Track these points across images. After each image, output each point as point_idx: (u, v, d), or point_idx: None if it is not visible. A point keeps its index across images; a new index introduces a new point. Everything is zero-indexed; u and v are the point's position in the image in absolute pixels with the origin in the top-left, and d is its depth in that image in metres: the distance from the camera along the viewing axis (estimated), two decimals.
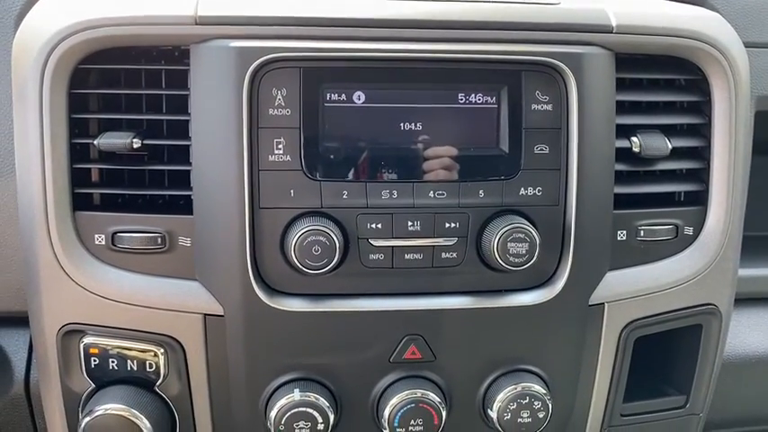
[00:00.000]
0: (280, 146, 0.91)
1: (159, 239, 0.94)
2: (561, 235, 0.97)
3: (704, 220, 1.06)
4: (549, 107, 0.94)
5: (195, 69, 0.91)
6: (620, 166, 1.00)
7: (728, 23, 1.06)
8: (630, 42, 0.97)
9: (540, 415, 0.98)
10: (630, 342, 1.05)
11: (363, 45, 0.90)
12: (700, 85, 1.04)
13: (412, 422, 0.96)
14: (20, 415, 1.12)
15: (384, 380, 0.98)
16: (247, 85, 0.88)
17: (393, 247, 0.94)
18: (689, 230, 1.05)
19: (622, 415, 1.11)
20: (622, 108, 1.00)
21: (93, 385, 0.97)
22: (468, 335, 0.98)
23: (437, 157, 0.94)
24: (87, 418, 0.94)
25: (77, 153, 0.94)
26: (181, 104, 0.94)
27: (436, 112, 0.94)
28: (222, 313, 0.94)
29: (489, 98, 0.94)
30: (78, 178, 0.94)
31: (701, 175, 1.06)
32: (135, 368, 0.97)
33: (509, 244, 0.92)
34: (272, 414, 0.94)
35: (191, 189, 0.93)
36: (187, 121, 0.93)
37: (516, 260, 0.92)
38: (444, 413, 0.97)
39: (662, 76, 1.05)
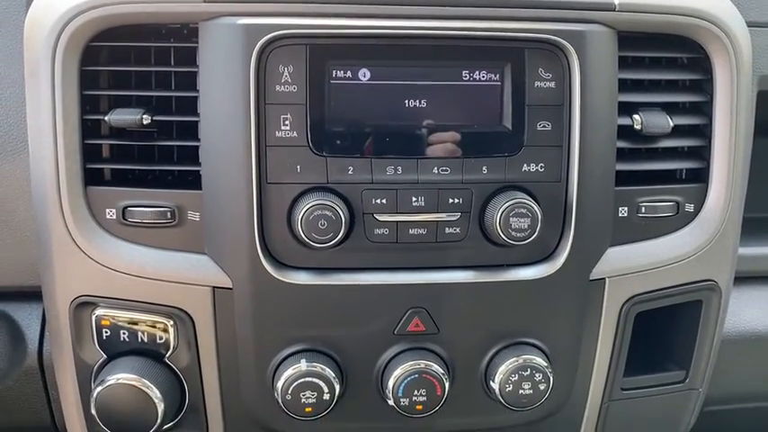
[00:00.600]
0: (286, 122, 0.92)
1: (169, 214, 0.96)
2: (563, 211, 0.99)
3: (705, 197, 1.07)
4: (552, 84, 0.96)
5: (204, 46, 0.93)
6: (621, 144, 1.02)
7: (731, 2, 1.06)
8: (632, 20, 0.98)
9: (542, 387, 1.00)
10: (631, 317, 1.07)
11: (369, 22, 0.92)
12: (702, 63, 1.05)
13: (415, 392, 0.98)
14: (33, 386, 1.14)
15: (388, 351, 1.00)
16: (255, 62, 0.90)
17: (397, 222, 0.96)
18: (690, 207, 1.07)
19: (623, 389, 1.13)
20: (624, 86, 1.01)
21: (105, 356, 1.00)
22: (471, 308, 1.00)
23: (441, 133, 0.96)
24: (99, 388, 0.96)
25: (89, 129, 0.96)
26: (190, 81, 0.95)
27: (440, 90, 0.95)
28: (230, 286, 0.96)
29: (493, 75, 0.95)
30: (90, 154, 0.96)
31: (703, 153, 1.07)
32: (145, 340, 0.99)
33: (511, 219, 0.93)
34: (279, 384, 0.96)
35: (199, 165, 0.95)
36: (196, 97, 0.95)
37: (518, 234, 0.94)
38: (447, 384, 0.99)
39: (664, 55, 1.06)
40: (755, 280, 1.31)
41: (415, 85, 0.95)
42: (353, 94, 0.94)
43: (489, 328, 1.01)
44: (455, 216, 0.96)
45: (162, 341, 1.00)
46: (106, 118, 0.95)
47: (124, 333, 0.99)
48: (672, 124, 1.03)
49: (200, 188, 0.95)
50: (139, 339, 0.99)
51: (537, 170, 0.97)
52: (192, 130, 0.96)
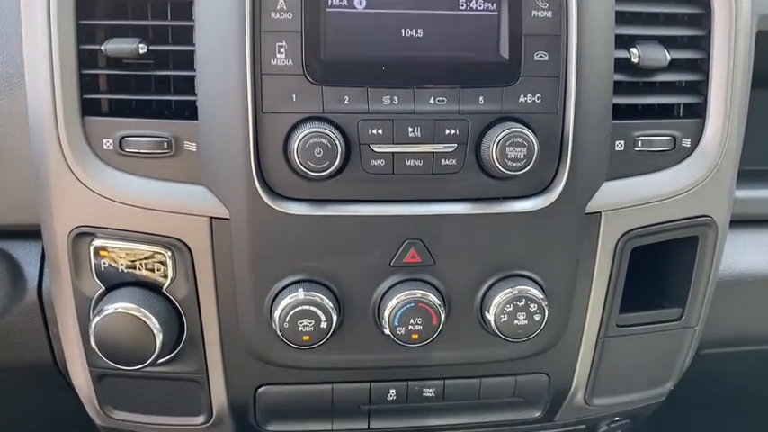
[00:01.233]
0: (282, 50, 0.92)
1: (165, 144, 0.96)
2: (559, 143, 0.98)
3: (702, 132, 1.07)
4: (549, 14, 0.95)
5: None
6: (618, 77, 1.01)
7: None
8: None
9: (536, 318, 1.01)
10: (627, 252, 1.07)
11: None
12: None
13: (411, 321, 0.99)
14: (33, 322, 1.15)
15: (385, 282, 1.01)
16: None
17: (394, 152, 0.96)
18: (686, 142, 1.07)
19: (618, 325, 1.13)
20: (622, 18, 1.01)
21: (103, 287, 1.01)
22: (467, 240, 1.00)
23: (437, 63, 0.95)
24: (98, 318, 0.97)
25: (85, 59, 0.96)
26: (185, 11, 0.95)
27: (437, 19, 0.95)
28: (228, 216, 0.97)
29: (490, 4, 0.95)
30: (87, 84, 0.96)
31: (700, 88, 1.07)
32: (143, 271, 1.00)
33: (507, 149, 0.93)
34: (277, 313, 0.97)
35: (195, 95, 0.95)
36: (191, 26, 0.94)
37: (514, 164, 0.94)
38: (443, 316, 1.00)
39: None
40: (754, 224, 1.31)
41: (412, 13, 0.94)
42: (349, 23, 0.93)
43: (485, 260, 1.02)
44: (451, 147, 0.96)
45: (160, 272, 1.00)
46: (102, 48, 0.95)
47: (122, 264, 1.00)
48: (669, 58, 1.03)
49: (197, 119, 0.96)
50: (137, 270, 1.00)
51: (534, 101, 0.97)
52: (188, 60, 0.96)
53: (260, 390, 1.10)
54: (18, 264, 1.15)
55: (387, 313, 0.99)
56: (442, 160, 0.97)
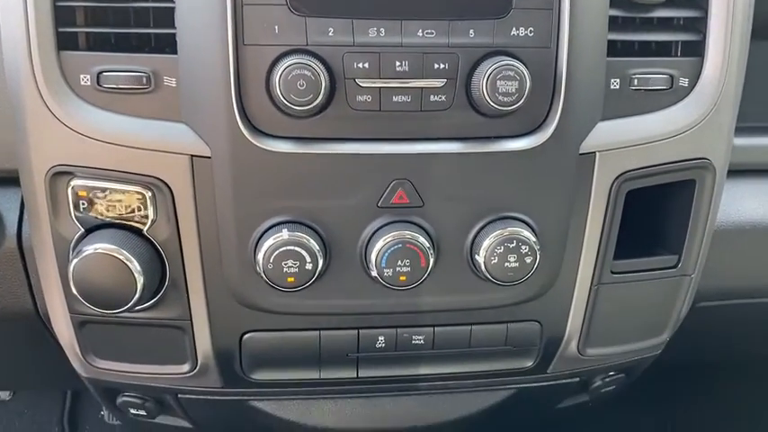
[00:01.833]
0: None
1: (144, 79, 0.93)
2: (552, 79, 0.95)
3: (700, 71, 1.04)
4: None
5: None
6: (614, 12, 0.98)
7: None
8: None
9: (528, 260, 0.98)
10: (622, 195, 1.04)
11: None
12: None
13: (399, 263, 0.96)
14: (13, 269, 1.12)
15: (372, 224, 0.98)
16: None
17: (380, 88, 0.92)
18: (684, 82, 1.03)
19: (613, 272, 1.11)
20: None
21: (83, 229, 0.98)
22: (457, 181, 0.97)
23: None
24: (76, 259, 0.95)
25: None
26: None
27: None
28: (209, 154, 0.94)
29: None
30: (62, 17, 0.92)
31: (699, 25, 1.03)
32: (123, 212, 0.97)
33: (498, 82, 0.90)
34: (260, 255, 0.95)
35: (175, 27, 0.92)
36: None
37: (506, 99, 0.91)
38: (432, 259, 0.98)
39: None
40: (754, 173, 1.28)
41: None
42: None
43: (475, 202, 0.99)
44: (440, 82, 0.93)
45: (140, 213, 0.97)
46: None
47: (101, 204, 0.97)
48: None
49: (177, 53, 0.92)
50: (117, 211, 0.97)
51: (526, 34, 0.93)
52: None
53: (246, 336, 1.07)
54: None
55: (374, 255, 0.96)
56: (431, 96, 0.93)
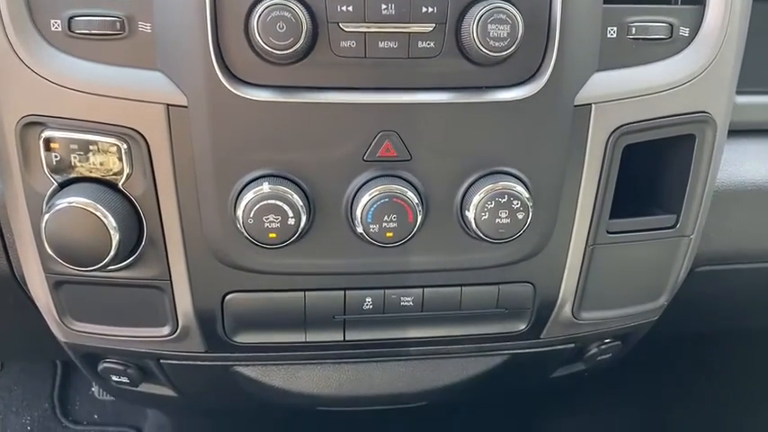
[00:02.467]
0: None
1: (118, 24, 0.88)
2: (546, 26, 0.90)
3: (701, 20, 0.99)
4: None
5: None
6: None
7: None
8: None
9: (520, 216, 0.94)
10: (619, 150, 1.00)
11: None
12: None
13: (386, 218, 0.92)
14: None
15: (358, 179, 0.94)
16: None
17: (365, 33, 0.88)
18: (684, 31, 0.99)
19: (609, 232, 1.07)
20: None
21: (56, 183, 0.94)
22: (446, 133, 0.93)
23: None
24: (48, 214, 0.90)
25: None
26: None
27: None
28: (186, 104, 0.89)
29: None
30: None
31: None
32: (98, 164, 0.93)
33: (489, 26, 0.85)
34: (240, 210, 0.91)
35: None
36: None
37: (497, 44, 0.86)
38: (420, 215, 0.94)
39: None
40: (756, 133, 1.23)
41: None
42: None
43: (465, 155, 0.95)
44: (429, 27, 0.88)
45: (115, 166, 0.93)
46: None
47: (75, 157, 0.92)
48: None
49: None
50: (91, 164, 0.93)
51: None
52: None
53: (228, 297, 1.04)
54: None
55: (359, 210, 0.92)
56: (419, 42, 0.89)
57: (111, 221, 0.92)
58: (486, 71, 0.91)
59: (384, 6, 0.87)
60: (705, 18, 0.99)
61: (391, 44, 0.89)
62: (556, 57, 0.91)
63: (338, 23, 0.87)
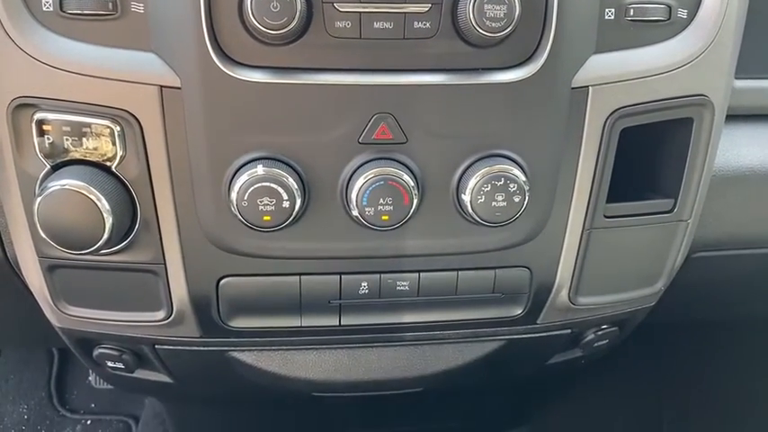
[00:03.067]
0: None
1: (110, 5, 0.87)
2: (543, 6, 0.90)
3: (700, 2, 0.98)
4: None
5: None
6: None
7: None
8: None
9: (516, 199, 0.93)
10: (616, 133, 0.99)
11: None
12: None
13: (381, 201, 0.91)
14: None
15: (353, 161, 0.93)
16: None
17: (360, 12, 0.87)
18: (683, 13, 0.98)
19: (606, 216, 1.06)
20: None
21: (48, 166, 0.93)
22: (442, 115, 0.92)
23: None
24: (41, 196, 0.90)
25: None
26: None
27: None
28: (179, 85, 0.89)
29: None
30: None
31: None
32: (91, 146, 0.92)
33: (486, 6, 0.85)
34: (234, 192, 0.90)
35: None
36: None
37: (494, 25, 0.85)
38: (416, 198, 0.93)
39: None
40: (755, 118, 1.23)
41: None
42: None
43: (462, 138, 0.94)
44: (425, 7, 0.87)
45: (109, 149, 0.92)
46: None
47: (67, 139, 0.92)
48: None
49: None
50: (84, 147, 0.92)
51: None
52: None
53: (223, 281, 1.03)
54: None
55: (354, 192, 0.92)
56: (415, 22, 0.88)
57: (104, 204, 0.91)
58: (483, 52, 0.90)
59: None
60: (703, 0, 0.98)
61: (387, 24, 0.88)
62: (553, 38, 0.90)
63: (333, 3, 0.86)
